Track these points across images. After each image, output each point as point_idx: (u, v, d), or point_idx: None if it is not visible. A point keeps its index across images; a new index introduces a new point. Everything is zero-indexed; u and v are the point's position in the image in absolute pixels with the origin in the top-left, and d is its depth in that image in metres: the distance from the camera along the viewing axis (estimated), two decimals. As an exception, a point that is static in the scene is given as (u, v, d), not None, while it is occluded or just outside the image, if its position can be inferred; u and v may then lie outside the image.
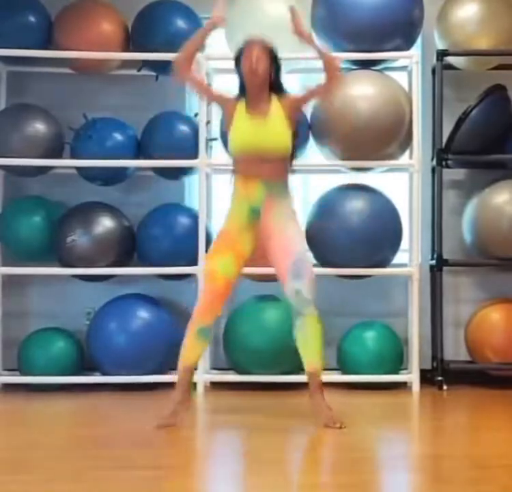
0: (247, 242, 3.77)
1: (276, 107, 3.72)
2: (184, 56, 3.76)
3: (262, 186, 3.70)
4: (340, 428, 3.53)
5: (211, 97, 3.90)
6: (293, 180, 5.09)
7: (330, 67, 3.73)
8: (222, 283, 3.69)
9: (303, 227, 4.68)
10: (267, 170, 3.69)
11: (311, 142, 4.79)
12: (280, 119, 3.70)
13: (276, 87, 3.74)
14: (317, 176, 5.14)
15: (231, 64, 4.95)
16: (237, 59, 3.73)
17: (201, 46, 3.85)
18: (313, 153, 4.93)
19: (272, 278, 4.79)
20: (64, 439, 3.49)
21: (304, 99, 3.83)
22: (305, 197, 5.13)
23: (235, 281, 3.76)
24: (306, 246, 3.82)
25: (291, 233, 3.71)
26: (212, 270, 3.71)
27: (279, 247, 3.69)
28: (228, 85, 4.96)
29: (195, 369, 3.79)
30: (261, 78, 3.68)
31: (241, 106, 3.73)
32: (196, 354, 3.72)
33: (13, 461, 3.09)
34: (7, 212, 4.84)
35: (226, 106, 3.79)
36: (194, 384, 4.29)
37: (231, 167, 3.81)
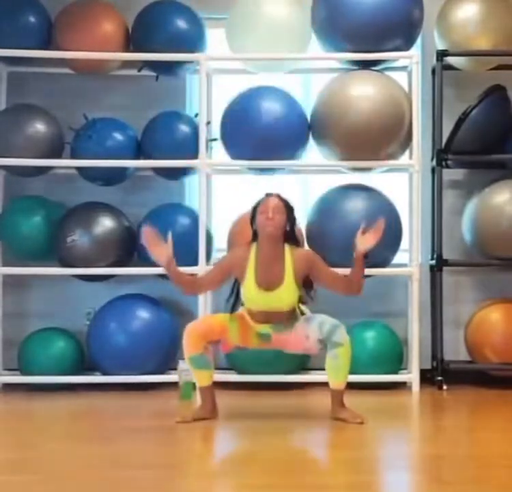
0: (255, 343, 3.89)
1: (288, 269, 3.78)
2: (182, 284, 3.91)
3: (270, 327, 3.85)
4: (361, 423, 3.67)
5: (224, 276, 3.90)
6: (293, 180, 5.13)
7: (357, 280, 3.79)
8: (217, 327, 3.81)
9: (303, 228, 4.69)
10: (276, 318, 3.83)
11: (311, 142, 4.79)
12: (291, 287, 3.79)
13: (290, 238, 3.84)
14: (317, 176, 5.13)
15: (231, 64, 5.01)
16: (254, 210, 3.84)
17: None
18: (313, 153, 4.92)
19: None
20: (64, 439, 3.49)
21: (321, 277, 3.83)
22: (305, 197, 5.13)
23: (229, 339, 3.85)
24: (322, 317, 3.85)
25: (301, 334, 3.81)
26: (217, 316, 3.92)
27: (297, 347, 3.87)
28: (227, 85, 5.00)
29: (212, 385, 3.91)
30: (277, 228, 3.77)
31: (251, 260, 3.80)
32: (202, 379, 3.86)
33: (14, 461, 3.08)
34: (7, 211, 4.84)
35: (237, 265, 3.82)
36: (194, 384, 4.29)
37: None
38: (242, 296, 3.86)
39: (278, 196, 3.85)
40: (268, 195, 3.85)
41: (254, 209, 3.84)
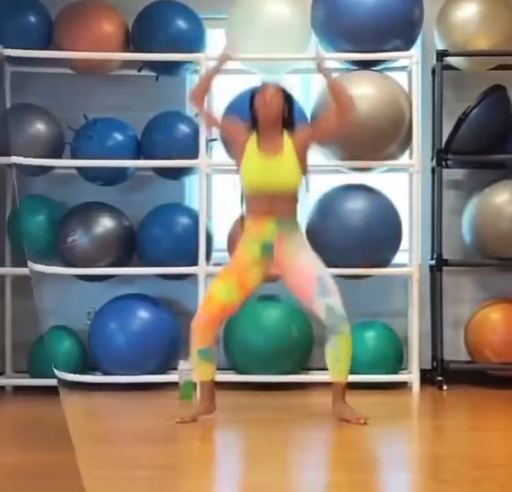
0: (256, 276, 3.87)
1: (288, 144, 3.84)
2: (198, 89, 4.00)
3: (274, 223, 3.82)
4: (365, 423, 3.65)
5: (224, 127, 4.07)
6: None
7: (339, 97, 3.86)
8: (217, 308, 3.81)
9: (303, 229, 4.68)
10: (279, 207, 3.82)
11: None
12: (292, 157, 3.83)
13: (288, 123, 3.89)
14: (317, 176, 5.12)
15: (231, 65, 4.99)
16: (252, 98, 3.89)
17: (213, 80, 4.04)
18: (313, 153, 4.91)
19: (272, 278, 4.80)
20: (66, 440, 3.47)
21: (315, 135, 3.94)
22: (305, 197, 5.11)
23: (234, 308, 3.86)
24: (324, 268, 3.87)
25: (305, 260, 3.83)
26: (211, 295, 3.85)
27: (298, 275, 3.81)
28: (227, 85, 4.99)
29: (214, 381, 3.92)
30: (275, 113, 3.83)
31: (252, 141, 3.86)
32: (206, 372, 3.86)
33: (24, 465, 3.06)
34: (18, 211, 4.80)
35: (238, 135, 3.90)
36: (194, 384, 4.29)
37: (244, 207, 3.92)
38: (242, 179, 3.84)
39: (277, 85, 3.92)
40: (265, 83, 3.95)
41: (252, 95, 3.90)
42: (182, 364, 4.36)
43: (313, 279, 3.77)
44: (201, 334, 3.79)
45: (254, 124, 3.89)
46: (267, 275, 3.91)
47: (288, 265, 3.83)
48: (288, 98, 3.91)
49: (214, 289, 3.86)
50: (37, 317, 4.93)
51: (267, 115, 3.84)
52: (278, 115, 3.86)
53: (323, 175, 5.03)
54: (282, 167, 3.81)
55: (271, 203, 3.81)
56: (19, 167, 4.72)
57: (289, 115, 3.89)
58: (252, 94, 3.92)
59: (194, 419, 3.77)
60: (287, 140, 3.86)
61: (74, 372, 4.65)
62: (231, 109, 4.67)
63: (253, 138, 3.88)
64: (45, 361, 4.61)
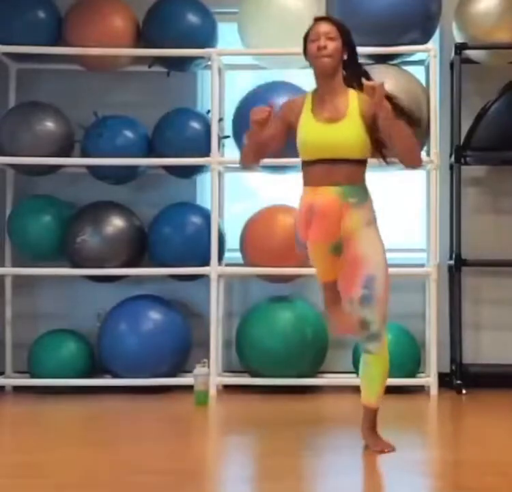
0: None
1: (352, 105, 3.18)
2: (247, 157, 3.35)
3: (334, 190, 3.19)
4: (382, 452, 3.19)
5: (285, 125, 3.29)
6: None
7: (400, 143, 3.17)
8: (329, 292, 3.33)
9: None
10: (342, 174, 3.18)
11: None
12: (355, 117, 3.17)
13: (350, 75, 3.23)
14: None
15: (243, 60, 4.93)
16: (305, 40, 3.24)
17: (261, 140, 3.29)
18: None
19: (285, 279, 4.72)
20: (75, 442, 3.43)
21: (383, 115, 3.14)
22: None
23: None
24: (384, 258, 3.22)
25: (362, 250, 3.18)
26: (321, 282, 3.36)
27: (347, 267, 3.20)
28: (240, 81, 4.92)
29: None
30: (331, 60, 3.16)
31: (308, 103, 3.24)
32: None
33: (23, 465, 3.02)
34: (17, 211, 4.78)
35: (294, 109, 3.26)
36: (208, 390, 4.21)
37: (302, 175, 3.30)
38: (299, 148, 3.21)
39: (330, 19, 3.28)
40: (317, 20, 3.24)
41: (305, 39, 3.23)
42: (198, 368, 4.25)
43: (360, 280, 3.16)
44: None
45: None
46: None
47: (347, 245, 3.19)
48: (347, 37, 3.19)
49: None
50: (37, 316, 4.90)
51: (323, 66, 3.15)
52: (337, 63, 3.17)
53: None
54: (344, 132, 3.14)
55: (332, 170, 3.16)
56: (27, 166, 4.68)
57: (350, 61, 3.21)
58: (305, 37, 3.23)
59: None
60: (352, 100, 3.18)
61: (83, 376, 4.60)
62: (243, 108, 4.60)
63: (309, 100, 3.23)
64: (45, 361, 4.57)
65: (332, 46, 3.18)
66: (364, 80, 3.17)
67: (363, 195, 3.22)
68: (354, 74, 3.26)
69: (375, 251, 3.20)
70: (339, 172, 3.18)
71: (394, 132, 3.14)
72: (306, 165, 3.25)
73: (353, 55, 3.25)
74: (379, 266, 3.19)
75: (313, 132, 3.19)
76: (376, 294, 3.18)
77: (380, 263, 3.20)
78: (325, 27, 3.20)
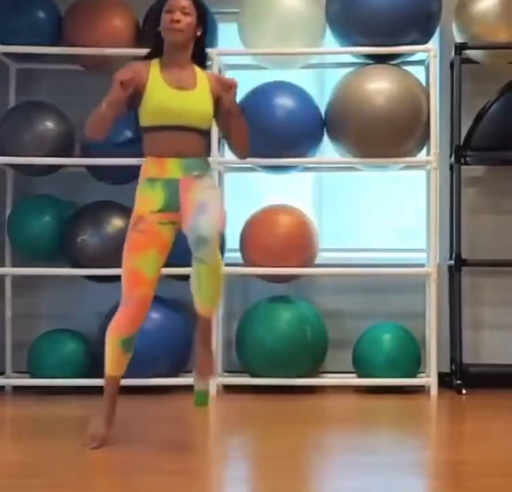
0: (169, 229, 3.25)
1: (202, 80, 3.23)
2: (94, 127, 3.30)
3: (180, 164, 3.19)
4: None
5: (125, 94, 3.16)
6: (307, 178, 5.02)
7: (238, 138, 3.30)
8: (149, 288, 3.19)
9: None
10: (188, 147, 3.19)
11: (326, 139, 4.71)
12: (204, 90, 3.22)
13: (198, 55, 3.27)
14: (331, 174, 5.05)
15: (243, 60, 4.93)
16: (158, 13, 3.23)
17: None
18: (327, 150, 4.85)
19: (285, 279, 4.72)
20: (75, 443, 3.43)
21: (228, 103, 3.25)
22: (319, 195, 5.04)
23: (157, 281, 3.23)
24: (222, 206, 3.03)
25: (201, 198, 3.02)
26: (137, 272, 3.18)
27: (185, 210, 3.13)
28: (240, 81, 4.91)
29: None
30: (182, 34, 3.17)
31: (155, 70, 3.20)
32: (122, 366, 3.28)
33: (23, 465, 3.02)
34: (17, 211, 4.79)
35: (140, 79, 3.18)
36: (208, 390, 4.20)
37: (144, 147, 3.25)
38: (147, 113, 3.16)
39: None
40: None
41: (161, 9, 3.22)
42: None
43: (194, 204, 2.99)
44: (130, 321, 3.16)
45: (157, 49, 3.23)
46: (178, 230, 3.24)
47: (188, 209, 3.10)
48: (202, 14, 3.21)
49: (138, 265, 3.17)
50: (37, 317, 4.91)
51: (175, 38, 3.15)
52: (189, 39, 3.19)
53: (338, 173, 4.96)
54: (194, 102, 3.18)
55: (179, 141, 3.18)
56: (27, 166, 4.68)
57: (201, 40, 3.24)
58: (159, 8, 3.21)
59: (101, 444, 3.27)
60: (201, 75, 3.24)
61: (83, 376, 4.61)
62: (244, 106, 4.60)
63: (156, 67, 3.21)
64: (45, 361, 4.58)
65: (186, 21, 3.19)
66: (224, 76, 3.25)
67: (205, 167, 3.25)
68: (200, 54, 3.30)
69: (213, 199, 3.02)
70: (187, 141, 3.20)
71: (237, 126, 3.29)
72: (152, 131, 3.20)
73: (205, 33, 3.27)
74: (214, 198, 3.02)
75: (167, 97, 3.17)
76: (210, 207, 2.95)
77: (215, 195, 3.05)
78: (183, 2, 3.20)
